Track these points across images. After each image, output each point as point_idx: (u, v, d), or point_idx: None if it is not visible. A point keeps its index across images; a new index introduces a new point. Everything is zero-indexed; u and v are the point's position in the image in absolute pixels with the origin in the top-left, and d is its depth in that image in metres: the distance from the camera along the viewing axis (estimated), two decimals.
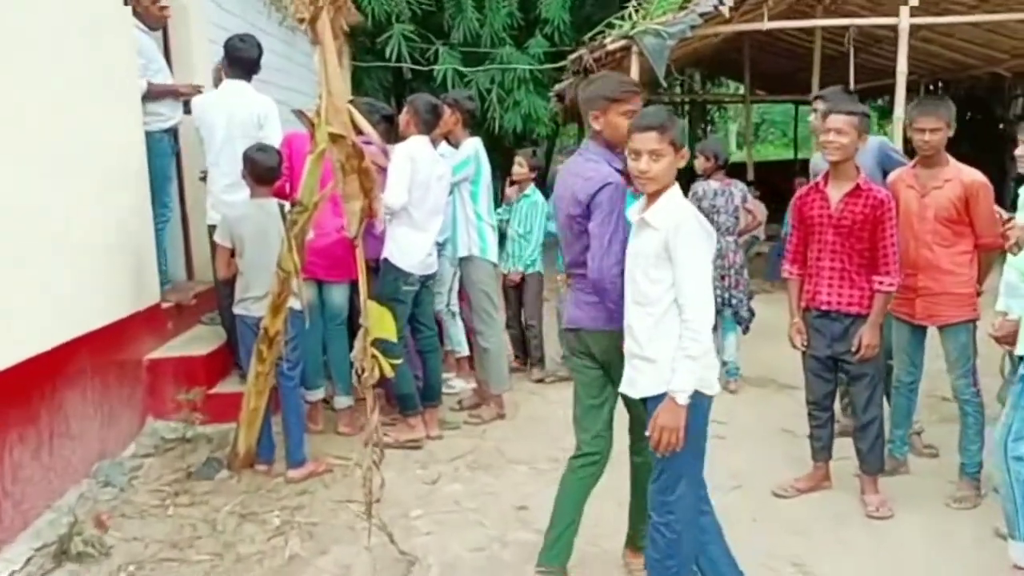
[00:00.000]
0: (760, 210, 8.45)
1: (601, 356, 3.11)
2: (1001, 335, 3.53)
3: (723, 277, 5.70)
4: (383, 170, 4.55)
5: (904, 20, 7.44)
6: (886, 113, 14.55)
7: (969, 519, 3.84)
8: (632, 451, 3.27)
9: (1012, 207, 4.01)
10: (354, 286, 4.49)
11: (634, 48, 7.31)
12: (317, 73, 3.28)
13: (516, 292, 6.14)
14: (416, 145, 4.66)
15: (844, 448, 4.14)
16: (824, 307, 3.88)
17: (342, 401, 4.95)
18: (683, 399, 2.72)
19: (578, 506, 3.20)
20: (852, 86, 7.64)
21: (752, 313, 5.89)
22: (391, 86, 11.40)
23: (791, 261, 4.05)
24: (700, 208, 5.29)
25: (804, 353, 4.03)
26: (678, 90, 17.53)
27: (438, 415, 5.05)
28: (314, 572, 3.46)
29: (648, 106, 3.08)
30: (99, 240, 4.36)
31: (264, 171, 4.27)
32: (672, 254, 2.75)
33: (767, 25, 7.75)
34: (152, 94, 5.05)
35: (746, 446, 4.67)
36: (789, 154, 23.57)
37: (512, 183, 6.21)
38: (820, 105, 4.65)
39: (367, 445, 3.31)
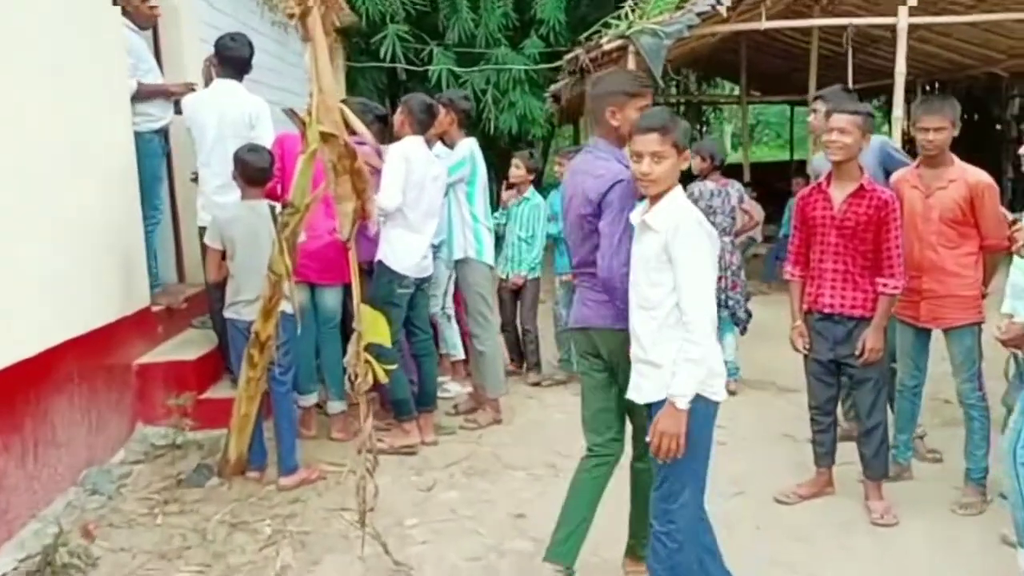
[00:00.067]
0: (757, 211, 8.42)
1: (609, 356, 3.06)
2: (1007, 338, 3.47)
3: (720, 278, 5.63)
4: (377, 171, 4.47)
5: (903, 20, 7.40)
6: (888, 113, 14.56)
7: (975, 525, 3.77)
8: (634, 457, 3.21)
9: (1010, 207, 3.95)
10: (347, 289, 4.41)
11: (631, 48, 7.24)
12: (308, 71, 3.19)
13: (512, 295, 6.07)
14: (410, 145, 4.58)
15: (847, 453, 4.07)
16: (827, 310, 3.81)
17: (335, 406, 4.86)
18: (683, 404, 2.67)
19: (591, 505, 3.15)
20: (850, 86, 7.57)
21: (749, 314, 5.84)
22: (385, 87, 11.33)
23: (793, 263, 3.98)
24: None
25: (806, 357, 3.96)
26: (673, 91, 17.49)
27: (433, 420, 4.96)
28: None
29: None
30: (87, 242, 4.27)
31: (255, 172, 4.18)
32: (672, 256, 2.69)
33: (764, 25, 7.70)
34: (142, 94, 4.97)
35: (747, 451, 4.59)
36: (784, 155, 23.59)
37: (509, 186, 6.12)
38: (820, 105, 4.59)
39: (360, 452, 3.23)
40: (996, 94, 13.56)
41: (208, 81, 5.10)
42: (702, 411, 2.73)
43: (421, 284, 4.78)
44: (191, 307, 5.44)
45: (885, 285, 3.69)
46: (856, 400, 3.93)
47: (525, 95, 10.67)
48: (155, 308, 5.06)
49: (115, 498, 4.01)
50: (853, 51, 8.39)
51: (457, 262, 5.18)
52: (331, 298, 4.78)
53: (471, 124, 5.56)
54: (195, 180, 5.10)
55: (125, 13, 4.90)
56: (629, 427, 3.20)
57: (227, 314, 4.24)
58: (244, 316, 4.11)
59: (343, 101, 4.16)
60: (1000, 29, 9.34)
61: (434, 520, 3.88)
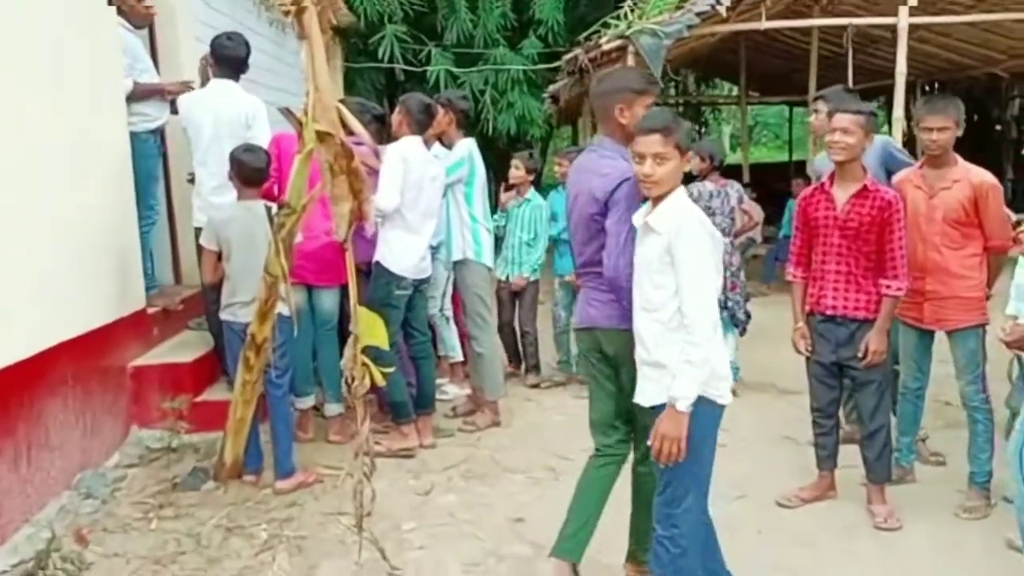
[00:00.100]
0: (756, 212, 8.39)
1: (614, 356, 3.03)
2: (1011, 340, 3.43)
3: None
4: (374, 172, 4.43)
5: (903, 20, 7.36)
6: (888, 114, 14.55)
7: (979, 529, 3.74)
8: (637, 461, 3.17)
9: (1011, 208, 3.92)
10: (345, 291, 4.37)
11: (630, 48, 7.20)
12: (305, 70, 3.14)
13: (511, 297, 6.03)
14: (408, 145, 4.53)
15: (849, 456, 4.03)
16: (829, 311, 3.77)
17: (333, 408, 4.82)
18: (683, 406, 2.63)
19: (599, 503, 3.14)
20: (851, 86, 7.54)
21: (748, 315, 5.81)
22: (384, 87, 11.30)
23: (795, 264, 3.94)
24: None
25: (808, 359, 3.92)
26: (672, 92, 17.46)
27: (431, 423, 4.91)
28: None
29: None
30: (81, 244, 4.23)
31: (251, 172, 4.14)
32: (673, 257, 2.67)
33: (764, 25, 7.66)
34: (138, 94, 4.93)
35: (748, 454, 4.55)
36: (782, 156, 23.57)
37: (508, 187, 6.08)
38: (821, 105, 4.55)
39: (357, 456, 3.18)
40: (996, 95, 13.54)
41: (205, 80, 5.06)
42: (707, 414, 2.70)
43: (419, 285, 4.73)
44: (187, 309, 5.39)
45: (888, 287, 3.65)
46: (859, 403, 3.88)
47: (523, 95, 10.64)
48: (151, 310, 5.01)
49: (109, 502, 3.97)
50: (852, 52, 8.37)
51: (456, 263, 5.14)
52: (328, 300, 4.73)
53: (469, 124, 5.52)
54: (191, 181, 5.06)
55: (120, 12, 4.86)
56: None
57: (223, 316, 4.20)
58: (240, 318, 4.07)
59: (341, 101, 4.12)
60: (1000, 29, 9.32)
61: (432, 524, 3.84)
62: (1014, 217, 3.91)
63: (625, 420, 3.12)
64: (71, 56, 4.22)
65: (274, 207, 4.06)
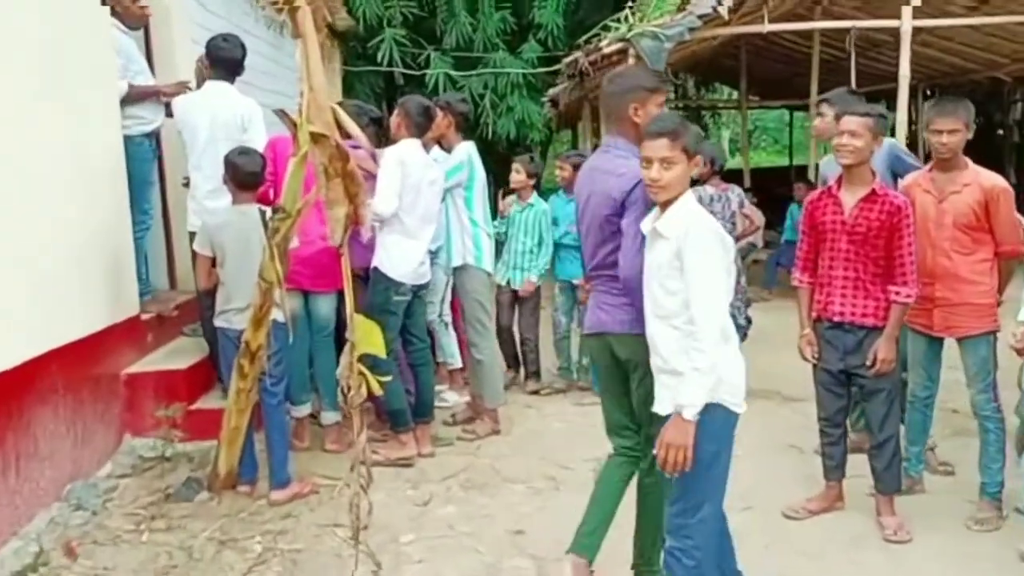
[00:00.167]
0: (757, 216, 8.33)
1: (626, 361, 2.98)
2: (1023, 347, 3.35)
3: None
4: (372, 176, 4.35)
5: (906, 22, 7.29)
6: None
7: (991, 541, 3.65)
8: (643, 472, 3.10)
9: (1020, 212, 3.84)
10: (342, 296, 4.27)
11: (631, 51, 7.13)
12: (299, 70, 3.06)
13: (510, 302, 5.94)
14: (407, 148, 4.45)
15: (856, 465, 3.95)
16: (837, 318, 3.69)
17: (329, 417, 4.73)
18: (690, 414, 2.57)
19: (616, 502, 3.12)
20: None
21: (749, 321, 5.74)
22: (383, 91, 11.26)
23: (801, 269, 3.86)
24: None
25: (815, 366, 3.83)
26: (672, 95, 17.40)
27: (430, 431, 4.82)
28: None
29: None
30: (74, 249, 4.15)
31: (246, 176, 4.06)
32: (682, 261, 2.62)
33: (767, 28, 7.60)
34: (132, 96, 4.85)
35: (753, 463, 4.45)
36: (782, 161, 23.54)
37: (508, 192, 5.99)
38: (826, 108, 4.48)
39: (354, 467, 3.09)
40: (998, 99, 13.48)
41: (201, 83, 4.99)
42: (722, 422, 2.66)
43: (418, 291, 4.65)
44: (182, 315, 5.32)
45: (898, 293, 3.57)
46: (867, 412, 3.80)
47: (523, 99, 10.59)
48: (145, 316, 4.93)
49: (100, 513, 3.88)
50: (854, 56, 8.30)
51: (455, 269, 5.05)
52: (325, 306, 4.65)
53: (469, 128, 5.44)
54: (187, 185, 4.98)
55: (114, 13, 4.78)
56: None
57: (217, 323, 4.11)
58: (235, 325, 3.98)
59: (338, 103, 4.04)
60: (1003, 33, 9.25)
61: (431, 536, 3.75)
62: None
63: (639, 425, 3.09)
64: (64, 58, 4.15)
65: (268, 211, 3.97)
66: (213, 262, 4.09)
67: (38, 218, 3.86)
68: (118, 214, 4.66)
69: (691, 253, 2.60)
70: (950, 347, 3.96)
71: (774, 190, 12.72)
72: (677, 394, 2.62)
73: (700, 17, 6.95)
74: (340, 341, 4.24)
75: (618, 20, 7.49)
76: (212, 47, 4.74)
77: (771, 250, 9.99)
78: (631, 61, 7.20)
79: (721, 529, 2.92)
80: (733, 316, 5.45)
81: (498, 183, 9.57)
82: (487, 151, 7.95)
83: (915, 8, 7.26)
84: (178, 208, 5.48)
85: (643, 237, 2.80)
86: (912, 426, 4.06)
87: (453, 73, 10.41)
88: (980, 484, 3.85)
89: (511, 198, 5.92)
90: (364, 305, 4.40)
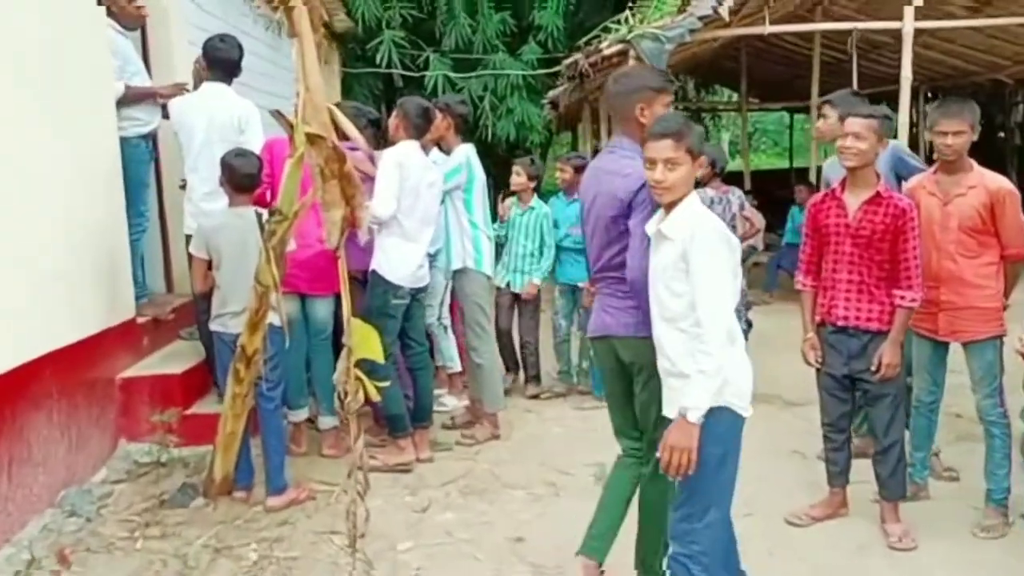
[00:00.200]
0: (757, 219, 8.28)
1: (630, 364, 2.95)
2: None
3: None
4: (370, 178, 4.30)
5: (908, 24, 7.25)
6: None
7: (997, 549, 3.60)
8: (647, 478, 3.07)
9: None
10: (339, 299, 4.23)
11: (631, 53, 7.06)
12: (295, 70, 3.01)
13: (510, 304, 5.89)
14: (405, 150, 4.39)
15: (860, 471, 3.89)
16: (841, 322, 3.64)
17: (327, 421, 4.67)
18: (694, 417, 2.54)
19: (626, 503, 3.11)
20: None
21: (750, 324, 5.70)
22: (381, 93, 11.21)
23: (804, 272, 3.81)
24: None
25: (819, 371, 3.78)
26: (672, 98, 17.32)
27: (429, 436, 4.76)
28: None
29: None
30: (68, 252, 4.11)
31: (243, 178, 4.00)
32: (688, 263, 2.59)
33: (768, 29, 7.56)
34: (129, 97, 4.80)
35: (755, 469, 4.37)
36: (781, 163, 23.49)
37: (509, 194, 5.93)
38: (829, 110, 4.43)
39: (350, 476, 3.04)
40: (1000, 101, 13.44)
41: (198, 84, 4.94)
42: (728, 423, 2.63)
43: (417, 295, 4.60)
44: (178, 318, 5.26)
45: (903, 297, 3.52)
46: (872, 417, 3.75)
47: (523, 101, 10.54)
48: (140, 319, 4.88)
49: (94, 520, 3.82)
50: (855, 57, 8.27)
51: (455, 272, 5.00)
52: (322, 309, 4.59)
53: (468, 130, 5.39)
54: (184, 187, 4.93)
55: (110, 14, 4.74)
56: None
57: (213, 327, 4.06)
58: (231, 329, 3.93)
59: (336, 105, 3.99)
60: (1005, 35, 9.21)
61: (429, 544, 3.69)
62: None
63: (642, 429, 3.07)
64: (59, 58, 4.10)
65: (265, 213, 3.93)
66: (209, 265, 4.04)
67: (32, 220, 3.82)
68: (114, 216, 4.62)
69: (697, 255, 2.57)
70: (954, 351, 3.92)
71: (774, 192, 12.68)
72: (682, 396, 2.59)
73: (701, 18, 6.91)
74: (338, 345, 4.20)
75: (618, 22, 7.44)
76: (209, 48, 4.69)
77: (772, 253, 9.94)
78: (631, 63, 7.15)
79: (727, 534, 2.89)
80: None
81: (498, 185, 9.52)
82: (487, 153, 7.92)
83: (916, 9, 7.21)
84: (175, 210, 5.44)
85: (649, 238, 2.77)
86: (917, 431, 4.01)
87: (452, 75, 10.36)
88: (986, 490, 3.80)
89: (510, 201, 5.87)
90: (362, 309, 4.36)
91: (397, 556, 3.57)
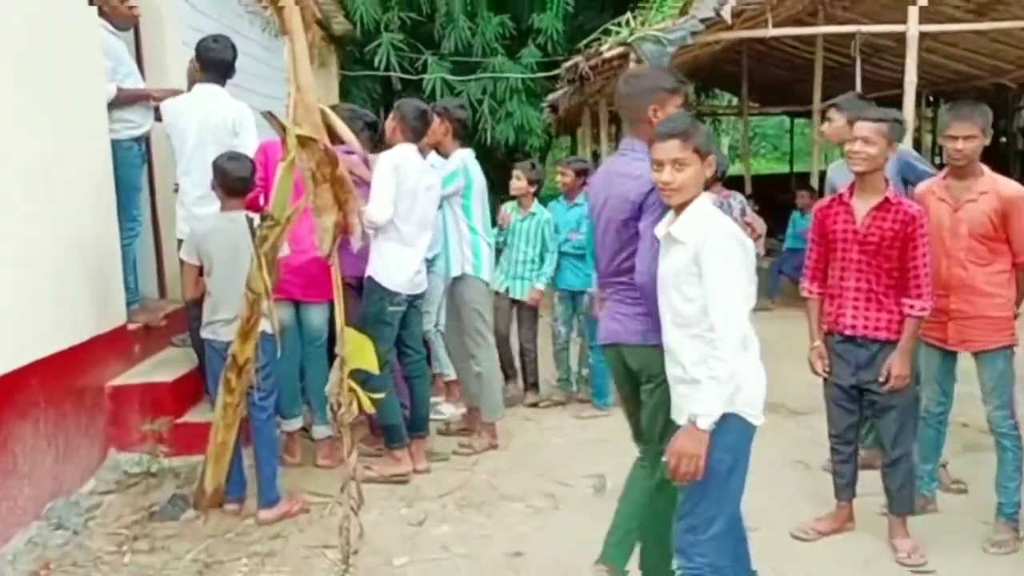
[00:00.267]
0: (758, 224, 8.19)
1: (638, 372, 2.89)
2: None
3: None
4: (366, 182, 4.20)
5: (913, 27, 7.16)
6: None
7: (1008, 564, 3.51)
8: (653, 489, 2.98)
9: None
10: (334, 306, 4.13)
11: (632, 55, 6.98)
12: (286, 70, 2.91)
13: (510, 308, 5.78)
14: (402, 154, 4.30)
15: (867, 482, 3.79)
16: (848, 331, 3.54)
17: (321, 431, 4.57)
18: (705, 424, 2.48)
19: (643, 508, 3.05)
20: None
21: None
22: (380, 96, 11.11)
23: (810, 279, 3.72)
24: None
25: (826, 381, 3.69)
26: None
27: (425, 446, 4.66)
28: None
29: None
30: (57, 257, 4.01)
31: (235, 182, 3.91)
32: (700, 267, 2.52)
33: (771, 32, 7.48)
34: (121, 99, 4.71)
35: (759, 480, 4.22)
36: (781, 167, 23.43)
37: (503, 199, 5.83)
38: (835, 114, 4.36)
39: (343, 490, 2.94)
40: (1002, 105, 13.35)
41: (192, 86, 4.84)
42: (738, 431, 2.57)
43: (414, 301, 4.50)
44: (171, 324, 5.17)
45: (912, 306, 3.43)
46: (880, 429, 3.65)
47: (522, 105, 10.44)
48: (132, 326, 4.78)
49: (81, 533, 3.72)
50: (856, 61, 8.19)
51: (454, 279, 4.89)
52: (317, 316, 4.49)
53: (467, 135, 5.29)
54: (177, 191, 4.84)
55: (102, 13, 4.65)
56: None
57: (204, 334, 3.96)
58: (222, 336, 3.83)
59: (332, 107, 3.90)
60: (1009, 39, 9.14)
61: (425, 559, 3.59)
62: None
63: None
64: (49, 59, 4.01)
65: (256, 218, 3.83)
66: (200, 271, 3.94)
67: (20, 225, 3.72)
68: (105, 221, 4.53)
69: (710, 258, 2.51)
70: (961, 359, 3.83)
71: (775, 197, 12.59)
72: (692, 402, 2.52)
73: (703, 21, 6.83)
74: (333, 352, 4.10)
75: (619, 24, 7.35)
76: (202, 49, 4.60)
77: (773, 258, 9.85)
78: (632, 65, 7.07)
79: (738, 535, 2.85)
80: None
81: (496, 190, 9.42)
82: (485, 157, 7.82)
83: (921, 6, 7.12)
84: (168, 214, 5.34)
85: (659, 241, 2.71)
86: (925, 443, 3.91)
87: (451, 78, 10.27)
88: (996, 504, 3.70)
89: (509, 206, 5.76)
90: (358, 316, 4.26)
91: (392, 571, 3.47)
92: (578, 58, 7.89)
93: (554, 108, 10.06)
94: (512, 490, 4.30)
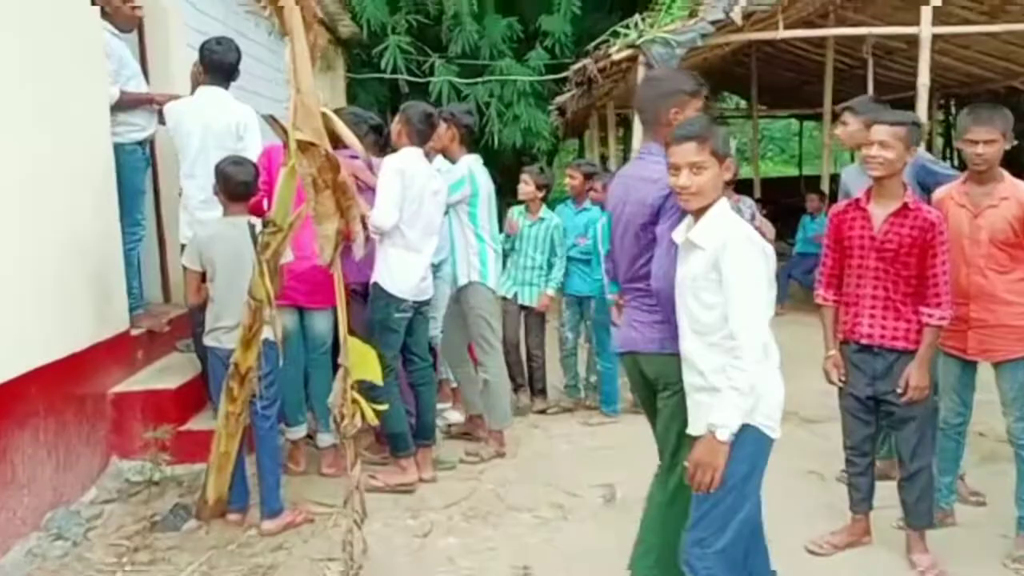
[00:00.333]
0: (768, 228, 8.09)
1: (654, 380, 2.84)
2: None
3: None
4: (370, 187, 4.13)
5: (926, 28, 7.06)
6: None
7: None
8: (665, 502, 2.92)
9: None
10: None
11: (641, 58, 6.90)
12: (287, 71, 2.83)
13: (518, 313, 5.70)
14: (407, 158, 4.22)
15: (883, 495, 3.69)
16: (865, 340, 3.45)
17: (326, 439, 4.49)
18: (724, 435, 2.42)
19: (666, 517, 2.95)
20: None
21: None
22: (387, 99, 11.05)
23: (825, 286, 3.63)
24: None
25: (841, 391, 3.60)
26: None
27: (432, 454, 4.58)
28: None
29: None
30: (59, 262, 3.96)
31: (237, 186, 3.83)
32: (720, 273, 2.45)
33: (781, 34, 7.39)
34: (124, 103, 4.66)
35: (771, 491, 4.11)
36: (788, 170, 23.30)
37: (510, 204, 5.75)
38: (849, 117, 4.26)
39: (346, 503, 2.86)
40: (1014, 108, 13.21)
41: (196, 88, 4.78)
42: (755, 443, 2.50)
43: (420, 308, 4.42)
44: (175, 329, 5.10)
45: (931, 315, 3.33)
46: (898, 441, 3.55)
47: (530, 108, 10.36)
48: (135, 331, 4.73)
49: (81, 544, 3.66)
50: (867, 63, 8.09)
51: (460, 287, 4.81)
52: (321, 322, 4.41)
53: (474, 140, 5.21)
54: (182, 195, 4.78)
55: (105, 15, 4.59)
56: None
57: (207, 341, 3.88)
58: (225, 344, 3.75)
59: (336, 111, 3.82)
60: (1021, 41, 9.02)
61: (430, 573, 3.51)
62: None
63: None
64: (50, 61, 3.95)
65: (258, 224, 3.75)
66: (203, 277, 3.87)
67: (21, 230, 3.67)
68: (107, 224, 4.47)
69: (730, 264, 2.44)
70: (979, 369, 3.73)
71: (783, 201, 12.50)
72: (711, 412, 2.45)
73: (713, 23, 6.74)
74: (337, 359, 4.03)
75: (627, 26, 7.27)
76: (205, 51, 4.54)
77: (782, 263, 9.75)
78: (641, 69, 6.98)
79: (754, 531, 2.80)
80: None
81: (503, 193, 9.34)
82: (493, 160, 7.75)
83: (934, 6, 7.02)
84: (172, 218, 5.28)
85: (676, 246, 2.64)
86: (943, 455, 3.81)
87: (458, 81, 10.20)
88: (1016, 518, 3.60)
89: (516, 212, 5.67)
90: (363, 322, 4.19)
91: None
92: (586, 61, 7.81)
93: (562, 111, 9.98)
94: (520, 500, 4.22)
